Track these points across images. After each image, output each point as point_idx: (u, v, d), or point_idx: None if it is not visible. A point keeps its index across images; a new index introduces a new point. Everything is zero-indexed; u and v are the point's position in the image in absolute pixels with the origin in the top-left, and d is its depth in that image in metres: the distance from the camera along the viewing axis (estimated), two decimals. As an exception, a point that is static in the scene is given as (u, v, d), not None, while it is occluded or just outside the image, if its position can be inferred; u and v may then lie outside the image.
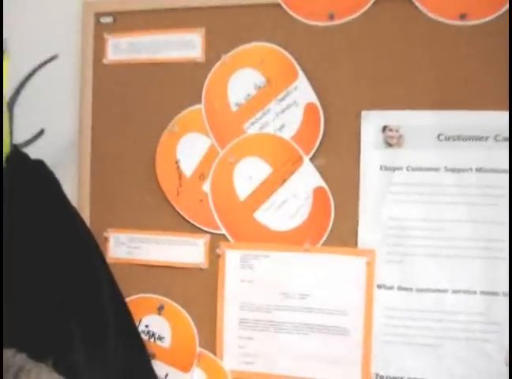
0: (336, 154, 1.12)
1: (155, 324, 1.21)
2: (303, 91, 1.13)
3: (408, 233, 1.09)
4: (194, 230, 1.19)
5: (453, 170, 1.08)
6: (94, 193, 1.25)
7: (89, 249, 0.99)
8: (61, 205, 0.97)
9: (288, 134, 1.14)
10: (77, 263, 0.95)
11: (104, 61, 1.24)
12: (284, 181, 1.14)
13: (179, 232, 1.20)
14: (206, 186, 1.18)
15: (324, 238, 1.12)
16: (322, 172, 1.12)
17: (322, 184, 1.12)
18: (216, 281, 1.17)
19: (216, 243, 1.18)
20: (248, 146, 1.16)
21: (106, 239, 1.23)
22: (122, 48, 1.24)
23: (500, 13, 1.05)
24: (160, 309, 1.21)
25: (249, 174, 1.15)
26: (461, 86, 1.07)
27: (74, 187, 1.25)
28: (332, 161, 1.12)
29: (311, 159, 1.13)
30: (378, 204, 1.10)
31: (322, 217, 1.12)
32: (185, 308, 1.19)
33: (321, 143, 1.12)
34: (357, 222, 1.11)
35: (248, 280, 1.15)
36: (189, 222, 1.19)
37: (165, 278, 1.21)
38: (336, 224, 1.12)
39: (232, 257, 1.16)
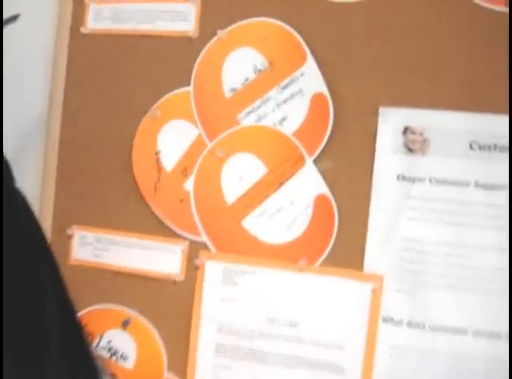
0: (346, 157, 0.93)
1: (118, 341, 1.03)
2: (310, 79, 0.95)
3: (425, 258, 0.90)
4: (171, 234, 1.01)
5: (485, 187, 0.89)
6: (60, 183, 1.07)
7: (34, 249, 0.81)
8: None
9: (289, 129, 0.95)
10: (15, 266, 0.76)
11: (83, 29, 1.06)
12: (281, 184, 0.95)
13: (154, 235, 1.02)
14: (189, 184, 0.99)
15: (323, 257, 0.94)
16: (327, 177, 0.94)
17: (326, 191, 0.94)
18: (192, 297, 0.99)
19: (195, 252, 0.99)
20: (241, 140, 0.97)
21: (69, 237, 1.05)
22: (104, 16, 1.06)
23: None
24: (125, 324, 1.03)
25: (240, 173, 0.97)
26: (503, 85, 0.87)
27: (38, 175, 1.08)
28: (340, 165, 0.94)
29: (315, 161, 0.94)
30: (391, 221, 0.91)
31: (323, 231, 0.94)
32: (154, 325, 1.01)
33: (328, 142, 0.94)
34: (364, 240, 0.92)
35: (230, 299, 0.97)
36: (165, 224, 1.01)
37: (134, 288, 1.02)
38: (339, 241, 0.93)
39: (213, 270, 0.98)
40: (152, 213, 1.01)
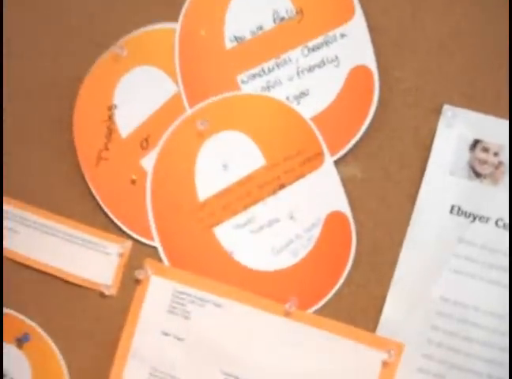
0: (383, 165, 0.64)
1: (9, 361, 0.72)
2: (353, 45, 0.65)
3: (468, 332, 0.62)
4: (110, 227, 0.70)
5: None
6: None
7: None
8: None
9: (308, 110, 0.66)
10: None
11: None
12: (281, 187, 0.66)
13: (84, 225, 0.71)
14: (148, 161, 0.69)
15: (322, 301, 0.64)
16: (350, 189, 0.65)
17: (345, 209, 0.64)
18: (122, 321, 0.69)
19: (139, 260, 0.69)
20: (236, 112, 0.67)
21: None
22: None
23: None
24: (21, 340, 0.72)
25: (225, 159, 0.67)
26: None
27: None
28: (371, 175, 0.64)
29: (337, 164, 0.65)
30: (429, 269, 0.63)
31: (330, 265, 0.64)
32: (61, 349, 0.70)
33: (361, 140, 0.65)
34: (386, 288, 0.63)
35: (175, 336, 0.67)
36: (104, 212, 0.70)
37: (44, 292, 0.72)
38: (349, 282, 0.64)
39: (159, 291, 0.68)
40: (90, 193, 0.70)
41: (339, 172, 0.65)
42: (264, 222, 0.66)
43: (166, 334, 0.67)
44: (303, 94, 0.66)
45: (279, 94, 0.66)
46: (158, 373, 0.67)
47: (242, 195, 0.66)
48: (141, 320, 0.68)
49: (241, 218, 0.66)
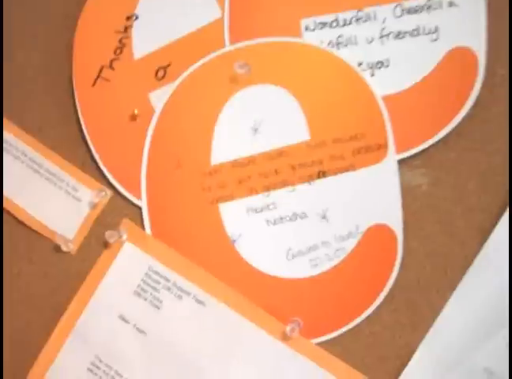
0: (456, 183, 0.49)
1: None
2: (462, 19, 0.49)
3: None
4: (90, 167, 0.54)
5: None
6: None
7: None
8: None
9: (383, 86, 0.50)
10: None
11: None
12: (322, 175, 0.50)
13: (60, 157, 0.55)
14: (159, 95, 0.53)
15: (334, 334, 0.49)
16: (409, 201, 0.49)
17: (395, 224, 0.49)
18: (74, 288, 0.53)
19: (115, 217, 0.53)
20: (286, 65, 0.51)
21: None
22: None
23: None
24: None
25: (258, 120, 0.51)
26: None
27: None
28: (439, 191, 0.49)
29: (401, 164, 0.49)
30: (479, 331, 0.48)
31: (356, 289, 0.49)
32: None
33: (438, 143, 0.49)
34: (419, 338, 0.48)
35: (137, 326, 0.52)
36: (87, 145, 0.54)
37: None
38: (374, 319, 0.49)
39: (130, 263, 0.52)
40: (76, 118, 0.54)
41: (401, 176, 0.49)
42: (286, 213, 0.50)
43: (124, 320, 0.52)
44: (381, 64, 0.50)
45: (350, 55, 0.50)
46: (101, 365, 0.52)
47: (268, 172, 0.50)
48: (97, 294, 0.52)
49: (258, 200, 0.51)
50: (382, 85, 0.49)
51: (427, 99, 0.49)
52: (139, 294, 0.52)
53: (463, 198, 0.48)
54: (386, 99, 0.49)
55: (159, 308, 0.51)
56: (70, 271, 0.53)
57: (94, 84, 0.54)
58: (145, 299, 0.51)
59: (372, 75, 0.50)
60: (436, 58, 0.49)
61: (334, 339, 0.49)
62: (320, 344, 0.49)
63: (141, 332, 0.51)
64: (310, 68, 0.51)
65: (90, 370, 0.52)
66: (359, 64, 0.50)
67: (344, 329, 0.49)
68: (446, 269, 0.48)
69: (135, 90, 0.53)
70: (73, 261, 0.53)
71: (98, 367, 0.52)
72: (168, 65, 0.52)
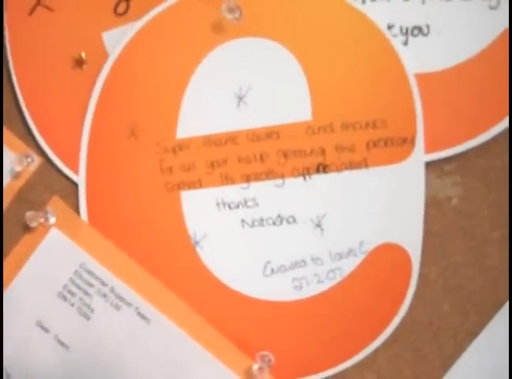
0: (505, 191, 0.37)
1: None
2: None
3: None
4: (17, 126, 0.41)
5: None
6: None
7: None
8: None
9: (418, 61, 0.37)
10: None
11: None
12: (322, 169, 0.37)
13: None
14: (116, 35, 0.39)
15: (315, 377, 0.38)
16: (433, 216, 0.37)
17: (410, 245, 0.37)
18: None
19: (42, 193, 0.40)
20: (292, 18, 0.38)
21: None
22: None
23: None
24: None
25: (245, 85, 0.38)
26: None
27: None
28: (473, 207, 0.37)
29: (428, 168, 0.37)
30: None
31: (350, 324, 0.38)
32: None
33: (481, 147, 0.37)
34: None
35: (58, 337, 0.39)
36: (15, 96, 0.41)
37: None
38: (370, 363, 0.38)
39: (57, 256, 0.40)
40: (3, 58, 0.41)
41: (426, 184, 0.37)
42: (269, 214, 0.38)
43: (43, 328, 0.39)
44: (419, 30, 0.37)
45: (378, 14, 0.37)
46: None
47: (251, 157, 0.38)
48: (10, 292, 0.40)
49: (234, 193, 0.38)
50: (416, 59, 0.37)
51: (473, 86, 0.36)
52: (64, 298, 0.39)
53: (503, 221, 0.37)
54: (420, 78, 0.37)
55: (88, 318, 0.39)
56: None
57: (32, 13, 0.40)
58: (72, 305, 0.39)
59: (405, 44, 0.37)
60: (492, 32, 0.36)
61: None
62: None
63: (63, 345, 0.39)
64: (322, 23, 0.38)
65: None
66: (390, 27, 0.37)
67: (329, 373, 0.37)
68: (469, 311, 0.37)
69: (85, 26, 0.40)
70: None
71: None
72: (124, 10, 0.39)
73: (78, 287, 0.39)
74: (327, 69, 0.37)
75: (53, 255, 0.39)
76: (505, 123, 0.36)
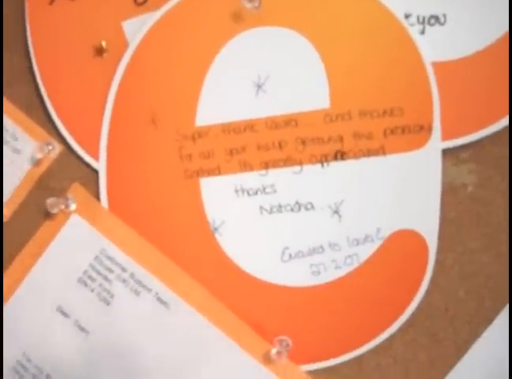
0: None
1: None
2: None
3: None
4: (38, 114, 0.41)
5: None
6: None
7: None
8: None
9: (435, 49, 0.37)
10: None
11: None
12: (340, 157, 0.38)
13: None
14: (137, 24, 0.40)
15: (330, 363, 0.38)
16: (450, 203, 0.37)
17: (428, 232, 0.37)
18: (4, 263, 0.41)
19: (63, 180, 0.41)
20: (311, 7, 0.38)
21: None
22: None
23: None
24: None
25: (265, 74, 0.39)
26: None
27: None
28: (489, 195, 0.37)
29: (445, 155, 0.37)
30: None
31: (366, 309, 0.38)
32: None
33: (497, 134, 0.37)
34: (439, 375, 0.38)
35: (78, 323, 0.40)
36: (36, 85, 0.41)
37: None
38: (385, 348, 0.38)
39: (77, 242, 0.40)
40: (25, 47, 0.41)
41: (443, 171, 0.37)
42: (288, 201, 0.38)
43: (63, 313, 0.40)
44: (436, 19, 0.37)
45: (396, 2, 0.38)
46: (29, 366, 0.41)
47: (269, 144, 0.38)
48: (31, 278, 0.40)
49: (252, 179, 0.39)
50: (433, 47, 0.37)
51: (489, 75, 0.37)
52: (85, 283, 0.40)
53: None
54: (437, 66, 0.37)
55: (108, 303, 0.40)
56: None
57: (52, 2, 0.41)
58: (92, 290, 0.40)
59: (422, 33, 0.37)
60: (509, 20, 0.37)
61: (331, 368, 0.38)
62: (312, 373, 0.38)
63: (83, 330, 0.40)
64: (339, 12, 0.38)
65: (16, 371, 0.41)
66: (407, 16, 0.38)
67: (345, 358, 0.38)
68: (484, 297, 0.37)
69: (105, 15, 0.40)
70: (5, 230, 0.41)
71: (25, 368, 0.41)
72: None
73: (98, 272, 0.40)
74: (345, 58, 0.38)
75: (73, 241, 0.40)
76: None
